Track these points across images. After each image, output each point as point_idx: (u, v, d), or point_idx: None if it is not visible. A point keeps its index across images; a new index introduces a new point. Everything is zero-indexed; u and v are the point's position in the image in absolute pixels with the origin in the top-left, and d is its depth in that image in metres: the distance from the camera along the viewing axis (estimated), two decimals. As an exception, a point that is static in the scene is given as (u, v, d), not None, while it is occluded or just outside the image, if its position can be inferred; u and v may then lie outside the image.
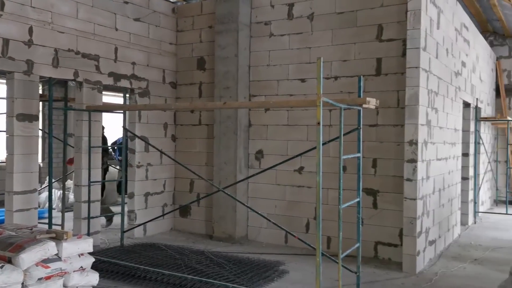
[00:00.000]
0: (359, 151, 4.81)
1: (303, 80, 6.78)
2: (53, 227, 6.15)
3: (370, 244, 6.22)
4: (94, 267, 4.39)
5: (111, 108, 7.45)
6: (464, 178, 8.49)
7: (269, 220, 5.54)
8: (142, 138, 7.17)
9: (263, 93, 7.12)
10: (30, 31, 5.77)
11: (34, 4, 5.81)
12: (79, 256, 4.12)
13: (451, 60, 7.16)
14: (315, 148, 4.23)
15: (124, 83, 7.07)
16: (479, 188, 9.43)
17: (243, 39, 7.10)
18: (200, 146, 7.73)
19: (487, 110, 10.38)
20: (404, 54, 5.96)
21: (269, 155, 7.04)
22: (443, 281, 5.35)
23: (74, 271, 4.06)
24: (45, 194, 9.74)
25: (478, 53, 9.35)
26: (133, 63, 7.21)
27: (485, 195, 10.55)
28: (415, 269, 5.61)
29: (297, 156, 5.47)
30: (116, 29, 6.92)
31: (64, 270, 3.95)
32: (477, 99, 9.12)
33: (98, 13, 6.64)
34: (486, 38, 10.93)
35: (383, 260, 6.16)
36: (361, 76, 4.83)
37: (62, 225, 6.50)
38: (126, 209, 7.10)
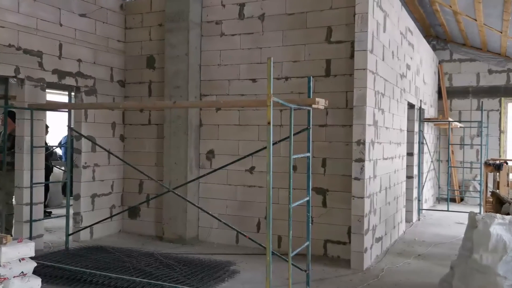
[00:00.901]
0: (308, 151, 4.88)
1: (254, 80, 6.80)
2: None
3: (319, 243, 6.32)
4: (36, 272, 4.22)
5: (55, 106, 7.17)
6: (409, 177, 8.81)
7: (220, 220, 5.52)
8: (89, 138, 6.94)
9: (214, 92, 7.08)
10: (-33, 24, 5.47)
11: (-30, -4, 5.51)
12: (20, 261, 3.96)
13: (397, 63, 7.40)
14: (266, 148, 4.24)
15: (69, 80, 6.82)
16: (423, 187, 9.82)
17: (194, 38, 7.03)
18: (149, 146, 7.59)
19: (430, 112, 10.82)
20: (352, 56, 6.10)
21: (220, 155, 7.01)
22: (389, 277, 5.52)
23: (14, 277, 3.89)
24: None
25: (422, 56, 9.73)
26: (79, 60, 6.97)
27: (428, 193, 11.00)
28: (362, 266, 5.76)
29: (248, 156, 5.47)
30: (61, 25, 6.67)
31: (3, 276, 3.78)
32: (421, 100, 9.49)
33: (41, 8, 6.36)
34: (429, 42, 11.40)
35: (332, 258, 6.28)
36: (311, 77, 4.91)
37: (2, 229, 6.21)
38: (71, 211, 6.85)
